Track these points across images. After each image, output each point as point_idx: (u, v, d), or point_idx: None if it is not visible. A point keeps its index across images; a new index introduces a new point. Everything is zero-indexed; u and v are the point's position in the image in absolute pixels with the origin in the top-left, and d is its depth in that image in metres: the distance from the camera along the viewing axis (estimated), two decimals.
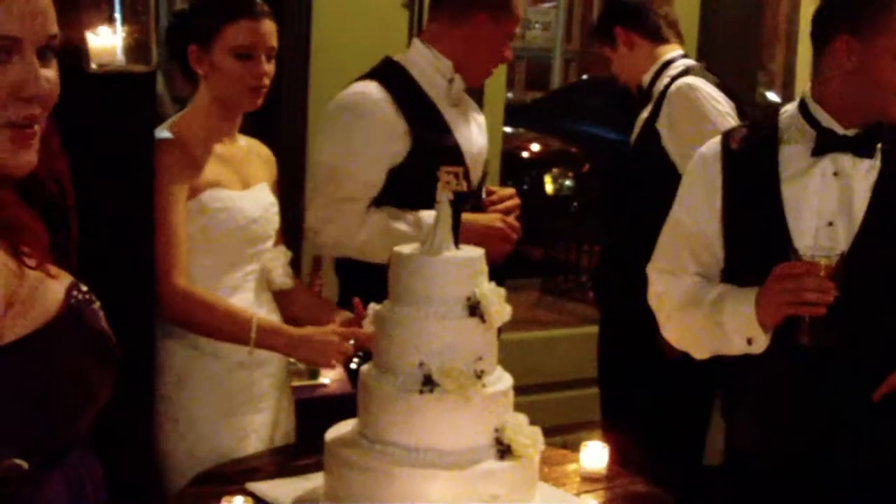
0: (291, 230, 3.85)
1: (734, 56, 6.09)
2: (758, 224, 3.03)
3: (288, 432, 3.61)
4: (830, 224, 2.97)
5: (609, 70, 4.56)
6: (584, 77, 16.33)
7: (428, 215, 3.70)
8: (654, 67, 4.29)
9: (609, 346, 4.43)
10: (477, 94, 5.02)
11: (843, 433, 2.99)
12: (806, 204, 2.99)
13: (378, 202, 3.84)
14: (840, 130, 2.99)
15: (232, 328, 3.31)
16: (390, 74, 3.93)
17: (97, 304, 1.90)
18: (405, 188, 3.79)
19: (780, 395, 3.09)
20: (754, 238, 3.04)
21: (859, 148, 2.98)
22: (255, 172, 3.53)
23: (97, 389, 1.90)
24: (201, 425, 3.38)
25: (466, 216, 3.84)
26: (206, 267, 3.35)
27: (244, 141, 3.55)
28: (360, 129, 3.82)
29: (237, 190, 3.41)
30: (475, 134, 4.04)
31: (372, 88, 3.86)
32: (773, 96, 7.15)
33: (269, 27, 3.42)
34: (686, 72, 4.23)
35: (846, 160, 2.99)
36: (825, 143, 2.99)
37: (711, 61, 5.85)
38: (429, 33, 4.02)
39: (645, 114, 4.27)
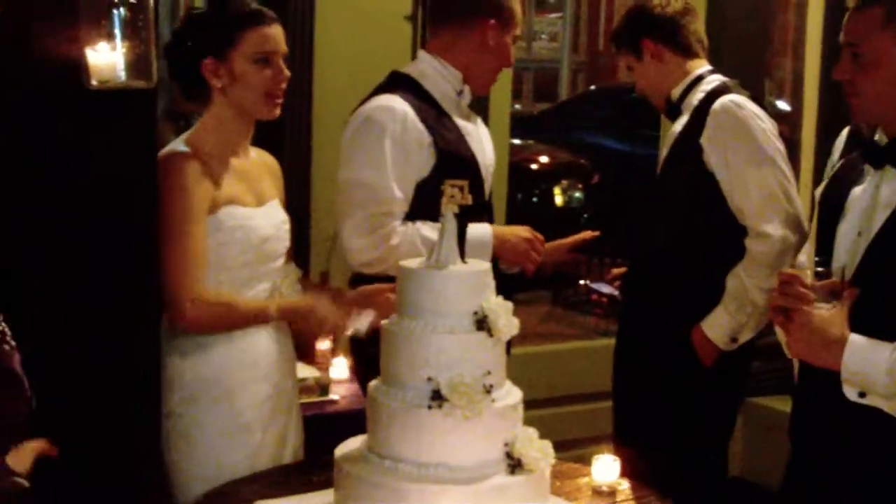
0: (298, 245, 3.83)
1: (741, 65, 6.04)
2: None
3: (297, 449, 3.60)
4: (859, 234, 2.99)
5: (616, 80, 4.55)
6: (592, 87, 16.36)
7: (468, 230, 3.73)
8: (686, 81, 4.23)
9: (631, 358, 4.36)
10: (482, 106, 5.00)
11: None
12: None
13: (408, 217, 3.84)
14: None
15: (252, 319, 3.41)
16: (406, 87, 3.92)
17: (10, 346, 1.91)
18: (431, 202, 3.75)
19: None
20: None
21: None
22: (268, 188, 3.53)
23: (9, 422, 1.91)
24: (211, 442, 3.36)
25: (497, 228, 3.89)
26: (219, 284, 3.34)
27: (255, 153, 3.55)
28: (388, 143, 3.79)
29: (252, 206, 3.41)
30: (486, 146, 4.05)
31: (395, 101, 3.83)
32: (782, 104, 7.11)
33: (280, 32, 3.44)
34: (725, 88, 4.18)
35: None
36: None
37: (718, 70, 5.84)
38: (436, 44, 4.00)
39: (678, 127, 4.20)
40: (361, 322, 3.37)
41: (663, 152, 4.36)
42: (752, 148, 4.05)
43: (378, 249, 3.80)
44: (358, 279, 3.94)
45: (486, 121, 4.65)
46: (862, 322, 2.86)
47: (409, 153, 3.79)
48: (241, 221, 3.36)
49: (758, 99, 4.29)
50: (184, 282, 3.25)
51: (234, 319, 3.37)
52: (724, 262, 3.99)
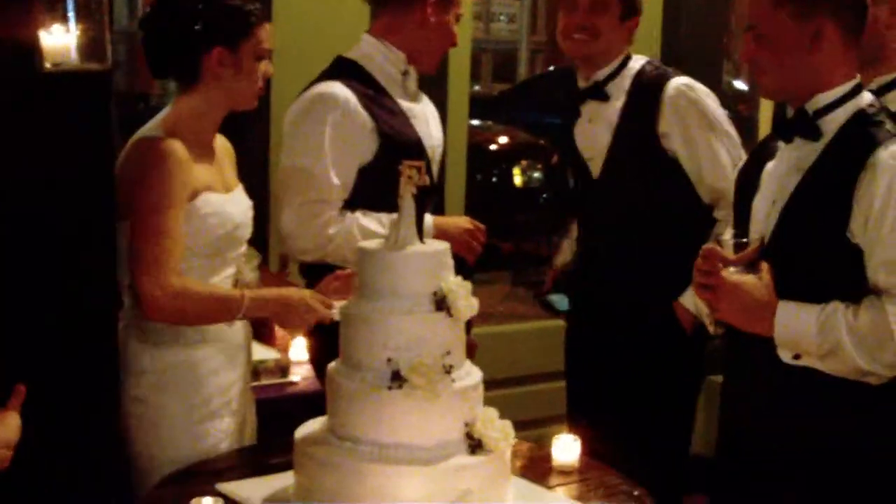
0: (258, 230, 3.81)
1: (699, 45, 6.07)
2: None
3: (252, 432, 3.60)
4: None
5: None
6: (551, 68, 16.33)
7: None
8: (614, 64, 4.22)
9: (590, 340, 4.35)
10: (441, 87, 4.99)
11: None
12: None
13: (349, 204, 3.83)
14: None
15: (224, 315, 3.34)
16: (349, 72, 3.91)
17: None
18: (374, 187, 3.77)
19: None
20: None
21: None
22: (232, 175, 3.51)
23: None
24: (180, 430, 3.34)
25: (437, 219, 3.88)
26: (191, 270, 3.31)
27: (219, 139, 3.52)
28: (329, 130, 3.80)
29: (222, 193, 3.38)
30: (432, 127, 4.05)
31: (336, 88, 3.84)
32: (740, 84, 7.16)
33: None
34: (664, 72, 4.19)
35: None
36: None
37: (676, 50, 5.84)
38: (378, 26, 4.00)
39: (611, 111, 4.21)
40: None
41: (587, 134, 4.30)
42: (712, 126, 4.12)
43: (314, 239, 3.82)
44: (309, 266, 3.95)
45: (444, 102, 4.66)
46: (783, 285, 2.95)
47: (350, 139, 3.80)
48: (215, 208, 3.33)
49: (714, 77, 4.32)
50: (159, 273, 3.19)
51: (209, 313, 3.33)
52: (684, 242, 3.98)
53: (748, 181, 3.22)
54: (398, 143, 3.82)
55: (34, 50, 2.72)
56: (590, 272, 4.33)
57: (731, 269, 2.98)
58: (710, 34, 6.27)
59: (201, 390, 3.37)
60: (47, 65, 2.73)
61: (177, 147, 3.24)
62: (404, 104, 3.94)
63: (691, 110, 4.12)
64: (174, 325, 3.31)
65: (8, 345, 2.89)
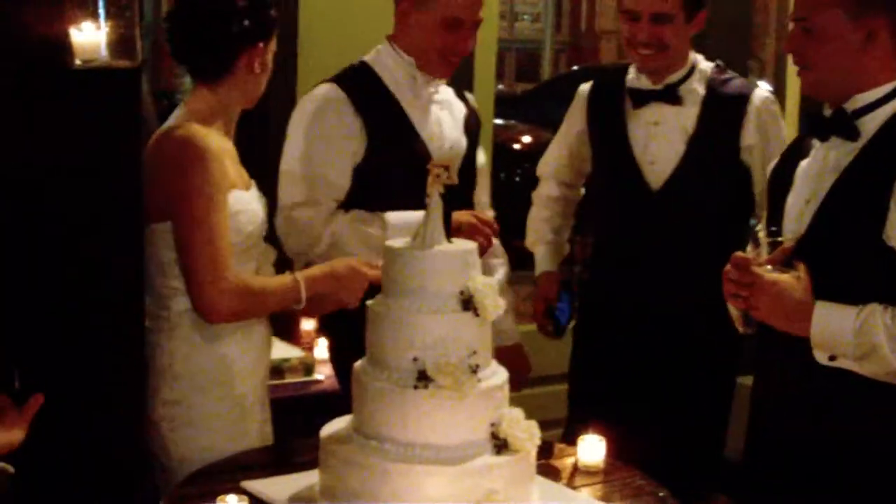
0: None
1: (725, 46, 6.06)
2: None
3: (270, 430, 3.58)
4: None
5: (598, 60, 4.50)
6: (575, 67, 16.26)
7: (395, 216, 3.69)
8: (686, 66, 4.17)
9: (624, 341, 4.28)
10: (466, 87, 4.98)
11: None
12: None
13: (348, 204, 3.83)
14: None
15: (284, 301, 3.36)
16: (354, 75, 3.93)
17: None
18: (369, 187, 3.80)
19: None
20: None
21: None
22: (245, 172, 3.50)
23: None
24: (214, 430, 3.34)
25: None
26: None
27: None
28: (315, 132, 3.83)
29: (245, 190, 3.38)
30: (448, 131, 3.97)
31: (326, 90, 3.87)
32: (764, 85, 7.12)
33: None
34: (744, 81, 4.15)
35: None
36: None
37: (702, 50, 5.83)
38: (393, 30, 3.99)
39: (687, 118, 4.09)
40: None
41: (650, 138, 4.14)
42: (782, 145, 4.03)
43: (303, 241, 3.84)
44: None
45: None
46: (815, 286, 2.91)
47: (336, 139, 3.81)
48: (244, 205, 3.33)
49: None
50: (218, 275, 3.19)
51: (268, 306, 3.36)
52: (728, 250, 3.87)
53: (781, 179, 3.19)
54: (389, 146, 3.82)
55: (65, 47, 2.73)
56: (625, 279, 4.22)
57: (768, 267, 2.95)
58: (736, 34, 6.25)
59: (236, 390, 3.37)
60: (77, 62, 2.74)
61: (214, 139, 3.23)
62: (412, 108, 3.90)
63: (774, 125, 4.09)
64: (205, 325, 3.30)
65: (31, 345, 2.89)
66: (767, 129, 4.08)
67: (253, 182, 3.48)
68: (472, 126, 4.08)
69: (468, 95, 4.17)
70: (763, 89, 4.13)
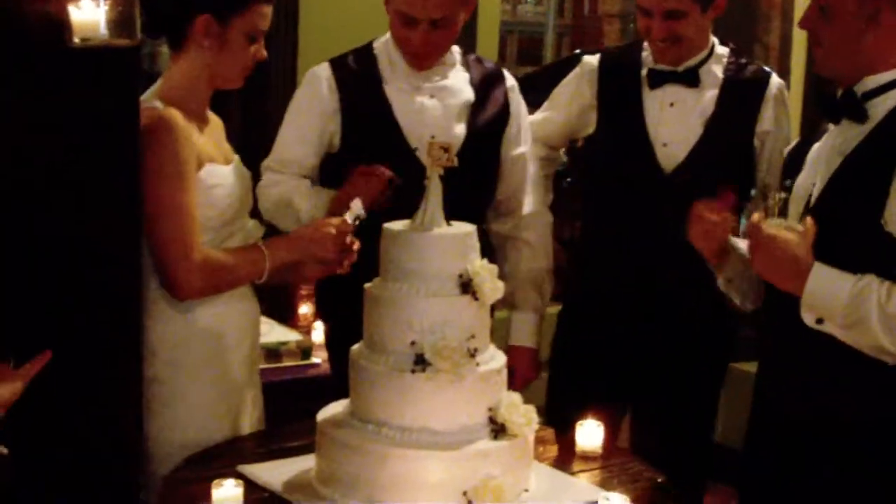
0: None
1: (729, 29, 6.03)
2: None
3: (262, 413, 3.56)
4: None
5: (601, 45, 4.47)
6: (577, 51, 16.20)
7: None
8: (706, 49, 4.10)
9: (600, 328, 4.25)
10: None
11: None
12: None
13: (323, 183, 3.85)
14: None
15: (251, 272, 3.31)
16: (352, 56, 3.93)
17: None
18: (340, 164, 3.79)
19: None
20: None
21: None
22: (227, 145, 3.47)
23: None
24: (196, 409, 3.30)
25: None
26: (202, 243, 3.28)
27: (209, 113, 3.49)
28: (294, 104, 3.92)
29: (223, 164, 3.35)
30: (432, 120, 3.87)
31: (318, 67, 3.90)
32: (769, 70, 7.11)
33: (271, 11, 3.38)
34: (749, 60, 4.14)
35: None
36: None
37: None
38: None
39: (706, 101, 4.07)
40: (356, 207, 3.30)
41: (667, 120, 4.09)
42: (789, 133, 4.11)
43: (263, 207, 3.86)
44: None
45: None
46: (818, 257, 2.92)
47: (309, 114, 3.85)
48: (219, 179, 3.29)
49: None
50: (182, 249, 3.16)
51: (237, 277, 3.31)
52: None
53: (795, 161, 3.20)
54: (364, 128, 3.81)
55: (63, 25, 2.70)
56: (624, 263, 4.13)
57: (773, 220, 2.95)
58: (741, 18, 6.23)
59: (218, 367, 3.34)
60: (76, 40, 2.71)
61: (176, 115, 3.17)
62: (397, 94, 3.86)
63: (786, 113, 4.11)
64: (182, 302, 3.27)
65: (28, 326, 2.88)
66: (781, 117, 4.08)
67: (236, 157, 3.45)
68: (483, 116, 3.96)
69: (508, 84, 4.05)
70: (776, 77, 4.12)
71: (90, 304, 2.97)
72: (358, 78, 3.87)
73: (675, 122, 4.06)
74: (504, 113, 4.00)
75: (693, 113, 4.05)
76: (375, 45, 3.94)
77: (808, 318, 2.93)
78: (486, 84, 3.99)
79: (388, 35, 3.91)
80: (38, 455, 2.89)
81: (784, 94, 4.12)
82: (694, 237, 3.25)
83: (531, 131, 4.16)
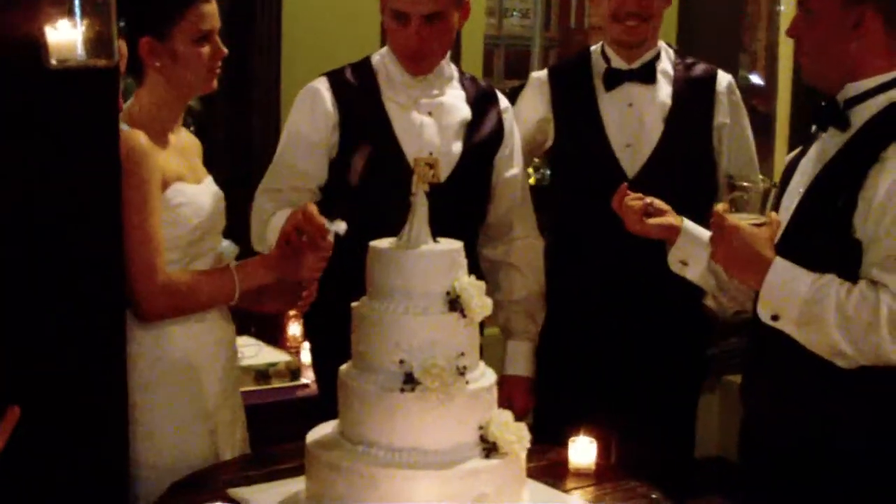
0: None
1: (715, 37, 6.03)
2: None
3: (244, 433, 3.53)
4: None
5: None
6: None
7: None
8: (657, 47, 4.14)
9: (578, 341, 4.22)
10: None
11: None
12: None
13: (324, 200, 3.77)
14: None
15: (219, 295, 3.29)
16: (350, 70, 3.91)
17: None
18: (340, 178, 3.70)
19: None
20: None
21: None
22: (200, 165, 3.45)
23: None
24: (173, 431, 3.27)
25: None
26: (169, 263, 3.24)
27: (183, 132, 3.47)
28: (291, 120, 3.88)
29: (193, 183, 3.32)
30: (430, 136, 3.84)
31: (317, 83, 3.86)
32: (755, 78, 7.09)
33: (216, 8, 3.35)
34: (706, 64, 4.16)
35: None
36: None
37: (692, 43, 5.79)
38: None
39: (661, 95, 4.11)
40: (340, 227, 3.26)
41: (627, 120, 4.12)
42: (748, 127, 4.19)
43: (254, 232, 3.83)
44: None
45: None
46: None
47: (307, 129, 3.82)
48: (188, 198, 3.27)
49: (729, 71, 4.27)
50: (147, 271, 3.14)
51: (201, 301, 3.28)
52: None
53: (789, 170, 3.19)
54: (359, 143, 3.70)
55: (40, 46, 2.67)
56: (593, 273, 4.14)
57: (740, 215, 2.97)
58: (727, 27, 6.22)
59: (192, 388, 3.31)
60: (53, 61, 2.68)
61: (139, 137, 3.15)
62: (396, 109, 3.84)
63: (740, 108, 4.14)
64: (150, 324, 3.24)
65: (17, 343, 2.85)
66: (736, 109, 4.14)
67: (209, 177, 3.43)
68: (479, 135, 3.93)
69: (501, 106, 4.02)
70: (724, 73, 4.18)
71: (70, 326, 2.94)
72: (357, 92, 3.85)
73: (636, 121, 4.10)
74: (498, 134, 3.98)
75: (652, 111, 4.10)
76: (373, 58, 3.92)
77: (764, 315, 2.93)
78: (482, 104, 3.97)
79: (384, 49, 3.90)
80: (23, 482, 2.85)
81: (734, 88, 4.16)
82: (630, 226, 3.35)
83: None
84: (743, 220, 2.96)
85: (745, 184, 3.00)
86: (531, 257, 4.06)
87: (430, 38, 3.73)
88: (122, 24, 3.18)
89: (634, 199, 3.36)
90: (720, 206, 3.00)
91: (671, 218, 3.33)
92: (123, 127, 3.16)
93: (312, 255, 3.26)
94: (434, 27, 3.71)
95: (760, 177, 3.04)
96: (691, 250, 3.28)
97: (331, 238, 3.21)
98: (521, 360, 4.04)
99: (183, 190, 3.27)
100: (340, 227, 3.19)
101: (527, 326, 4.04)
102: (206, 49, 3.30)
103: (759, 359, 3.16)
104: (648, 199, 3.36)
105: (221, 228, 3.44)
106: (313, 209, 3.20)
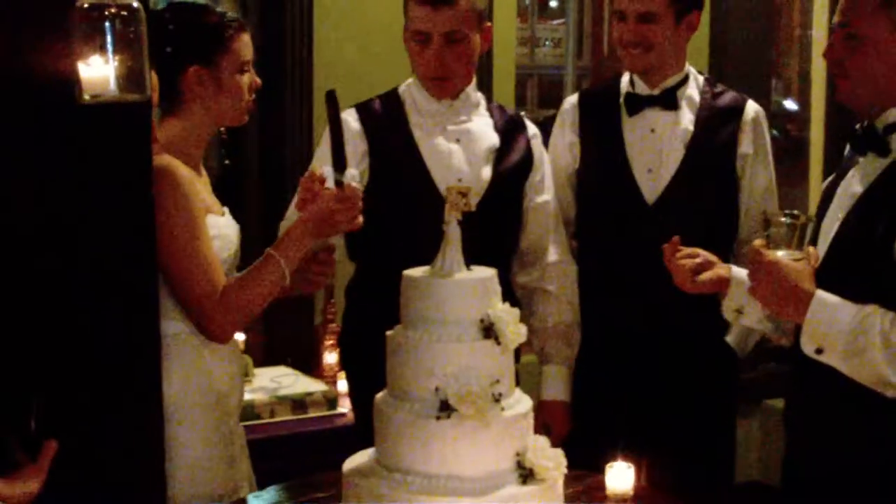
0: None
1: (747, 64, 6.02)
2: None
3: (250, 465, 3.53)
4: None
5: None
6: None
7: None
8: (682, 73, 4.14)
9: (609, 369, 4.20)
10: None
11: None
12: None
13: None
14: None
15: (275, 282, 3.25)
16: (377, 100, 3.94)
17: None
18: (373, 213, 3.69)
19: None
20: None
21: None
22: (216, 199, 3.46)
23: None
24: (200, 461, 3.28)
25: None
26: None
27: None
28: (320, 150, 3.86)
29: (220, 215, 3.34)
30: (459, 161, 3.86)
31: (345, 114, 3.80)
32: (789, 103, 7.07)
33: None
34: (735, 92, 4.15)
35: None
36: None
37: (724, 69, 5.78)
38: None
39: (681, 122, 4.08)
40: (351, 176, 3.27)
41: (648, 145, 4.10)
42: (770, 159, 4.13)
43: None
44: (352, 287, 3.91)
45: None
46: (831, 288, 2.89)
47: (349, 157, 3.69)
48: (219, 230, 3.30)
49: (762, 97, 4.26)
50: (212, 292, 3.17)
51: (265, 296, 3.25)
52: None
53: (826, 196, 3.16)
54: (391, 172, 3.81)
55: (73, 82, 2.70)
56: (615, 301, 4.11)
57: (780, 251, 2.93)
58: (759, 52, 6.21)
59: (217, 410, 3.31)
60: (86, 97, 2.70)
61: (178, 164, 3.20)
62: (424, 137, 3.86)
63: (765, 138, 4.11)
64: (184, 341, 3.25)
65: (58, 367, 2.88)
66: (760, 140, 4.10)
67: (226, 209, 3.45)
68: (508, 162, 3.94)
69: (530, 133, 4.03)
70: (754, 103, 4.15)
71: (106, 358, 2.95)
72: (385, 122, 3.87)
73: (657, 147, 4.07)
74: (528, 160, 3.98)
75: (674, 137, 4.07)
76: (400, 89, 3.95)
77: (809, 349, 2.90)
78: (510, 130, 3.98)
79: (411, 79, 3.93)
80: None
81: (761, 119, 4.13)
82: (680, 285, 3.30)
83: None
84: (781, 256, 2.93)
85: (782, 219, 2.97)
86: (565, 282, 4.04)
87: (450, 58, 3.76)
88: (168, 50, 3.24)
89: (686, 258, 3.31)
90: (757, 243, 2.97)
91: (720, 269, 3.29)
92: (164, 156, 3.20)
93: (338, 204, 3.25)
94: (454, 48, 3.75)
95: (796, 211, 2.99)
96: (745, 298, 3.20)
97: (355, 185, 3.23)
98: (558, 384, 4.02)
99: (216, 222, 3.29)
100: (353, 174, 3.21)
101: (563, 351, 4.02)
102: (245, 79, 3.34)
103: (801, 386, 3.13)
104: (700, 258, 3.31)
105: (238, 262, 3.45)
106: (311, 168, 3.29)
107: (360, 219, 3.31)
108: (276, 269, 3.23)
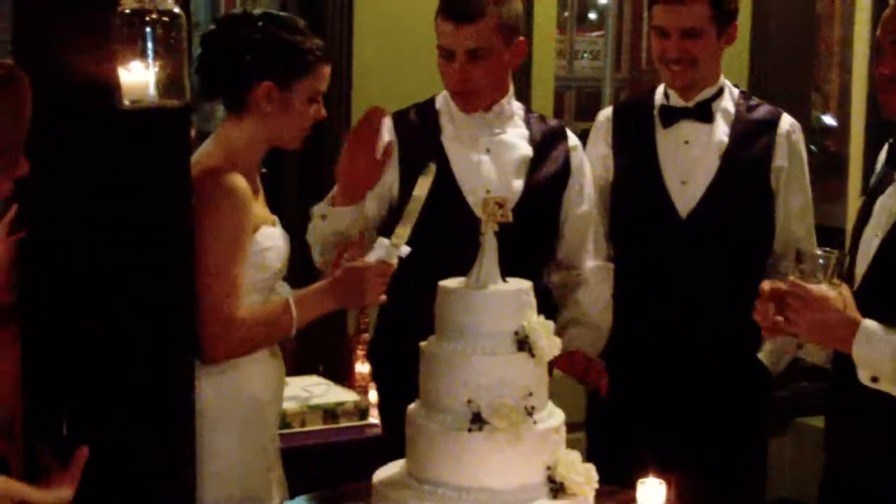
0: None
1: (787, 78, 5.99)
2: None
3: (282, 473, 3.49)
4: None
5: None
6: None
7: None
8: (718, 85, 4.12)
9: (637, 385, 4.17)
10: None
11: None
12: None
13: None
14: None
15: (277, 337, 3.29)
16: (415, 109, 3.93)
17: None
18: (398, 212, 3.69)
19: None
20: None
21: None
22: (268, 209, 3.46)
23: None
24: (237, 470, 3.27)
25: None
26: (249, 303, 3.25)
27: None
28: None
29: (272, 226, 3.34)
30: (487, 171, 3.83)
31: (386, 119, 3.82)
32: (828, 118, 7.04)
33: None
34: (770, 105, 4.12)
35: None
36: None
37: (763, 84, 5.75)
38: None
39: (715, 134, 4.04)
40: (402, 248, 3.27)
41: (682, 157, 4.05)
42: (807, 176, 4.08)
43: (313, 250, 3.82)
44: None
45: None
46: (874, 318, 2.87)
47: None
48: (273, 242, 3.30)
49: (802, 112, 4.22)
50: (222, 317, 3.15)
51: (263, 339, 3.27)
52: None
53: (863, 214, 3.14)
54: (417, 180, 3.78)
55: (113, 87, 2.71)
56: (646, 315, 4.06)
57: (821, 285, 2.90)
58: (799, 67, 6.18)
59: (251, 424, 3.29)
60: (126, 102, 2.71)
61: (240, 181, 3.19)
62: (456, 147, 3.83)
63: (800, 153, 4.06)
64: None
65: (92, 375, 2.88)
66: (795, 154, 4.05)
67: (276, 218, 3.44)
68: (542, 173, 3.90)
69: (570, 143, 3.97)
70: (789, 116, 4.10)
71: (144, 362, 2.95)
72: (418, 130, 3.86)
73: (692, 159, 4.03)
74: (564, 172, 3.94)
75: (708, 148, 4.02)
76: (437, 98, 3.93)
77: (864, 378, 2.88)
78: (547, 142, 3.94)
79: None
80: None
81: (798, 133, 4.08)
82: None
83: None
84: (822, 288, 2.89)
85: (816, 252, 2.95)
86: (601, 282, 4.01)
87: (474, 74, 3.73)
88: (247, 57, 3.24)
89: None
90: (792, 278, 2.94)
91: None
92: (222, 167, 3.21)
93: (373, 276, 3.25)
94: (479, 64, 3.71)
95: (827, 249, 2.96)
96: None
97: (394, 262, 3.23)
98: (583, 339, 3.92)
99: (269, 233, 3.29)
100: (406, 251, 3.22)
101: (594, 342, 3.96)
102: (312, 109, 3.34)
103: (843, 407, 3.11)
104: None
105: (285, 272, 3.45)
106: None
107: (384, 297, 3.31)
108: (286, 326, 3.25)
